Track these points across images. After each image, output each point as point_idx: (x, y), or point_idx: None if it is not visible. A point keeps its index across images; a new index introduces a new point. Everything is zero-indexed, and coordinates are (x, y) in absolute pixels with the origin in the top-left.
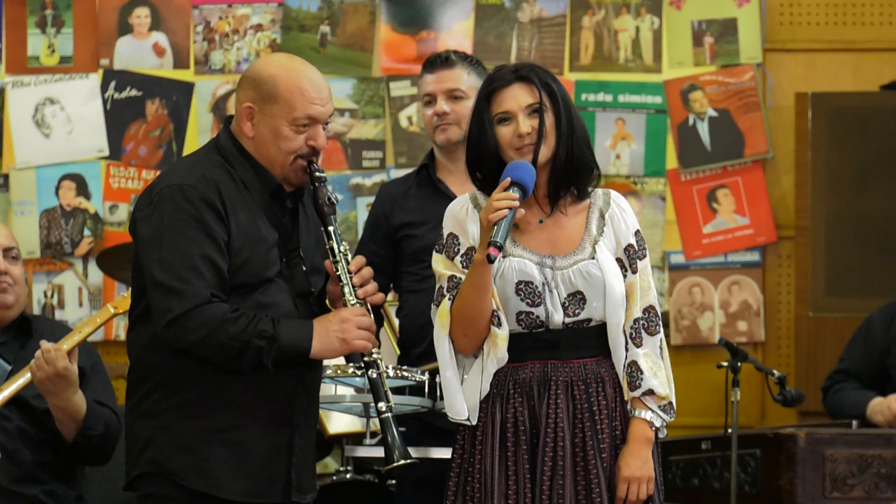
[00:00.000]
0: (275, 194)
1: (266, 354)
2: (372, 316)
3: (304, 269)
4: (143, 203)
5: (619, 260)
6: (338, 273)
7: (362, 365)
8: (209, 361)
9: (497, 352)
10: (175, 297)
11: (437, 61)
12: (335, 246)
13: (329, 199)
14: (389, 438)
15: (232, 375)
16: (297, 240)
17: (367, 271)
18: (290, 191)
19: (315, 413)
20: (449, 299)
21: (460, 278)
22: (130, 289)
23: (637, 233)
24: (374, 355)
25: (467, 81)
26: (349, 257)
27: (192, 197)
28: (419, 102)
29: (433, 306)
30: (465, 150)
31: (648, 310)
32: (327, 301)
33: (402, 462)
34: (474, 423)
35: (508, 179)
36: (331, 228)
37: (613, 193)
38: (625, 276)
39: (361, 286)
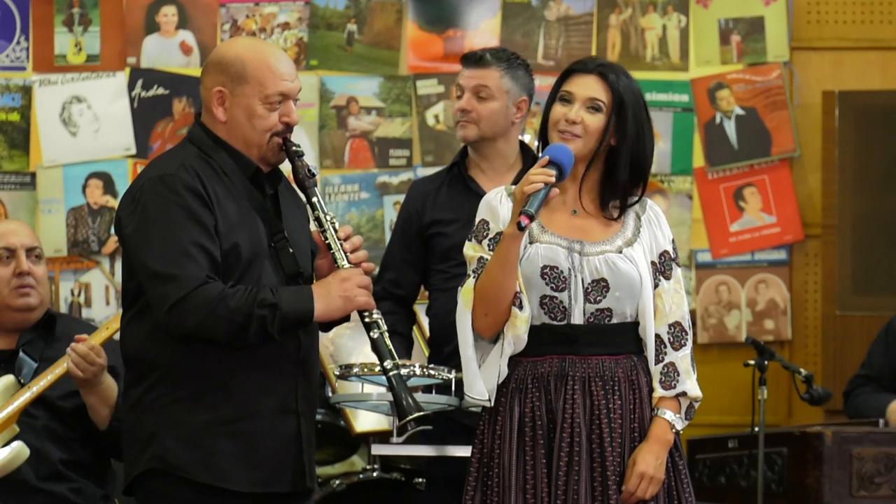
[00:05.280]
0: (254, 179)
1: (270, 323)
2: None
3: (291, 251)
4: (126, 202)
5: (652, 263)
6: (327, 241)
7: (364, 323)
8: (215, 342)
9: (515, 332)
10: (171, 283)
11: (472, 58)
12: (321, 216)
13: (309, 170)
14: (399, 394)
15: (233, 367)
16: (281, 223)
17: (357, 239)
18: (267, 171)
19: (314, 400)
20: (474, 278)
21: (487, 259)
22: (121, 291)
23: (672, 241)
24: (375, 315)
25: (499, 83)
26: (336, 225)
27: (175, 185)
28: (448, 98)
29: (459, 287)
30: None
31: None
32: (315, 279)
33: (415, 414)
34: (492, 404)
35: (547, 158)
36: (314, 199)
37: (650, 201)
38: (657, 283)
39: (353, 252)
